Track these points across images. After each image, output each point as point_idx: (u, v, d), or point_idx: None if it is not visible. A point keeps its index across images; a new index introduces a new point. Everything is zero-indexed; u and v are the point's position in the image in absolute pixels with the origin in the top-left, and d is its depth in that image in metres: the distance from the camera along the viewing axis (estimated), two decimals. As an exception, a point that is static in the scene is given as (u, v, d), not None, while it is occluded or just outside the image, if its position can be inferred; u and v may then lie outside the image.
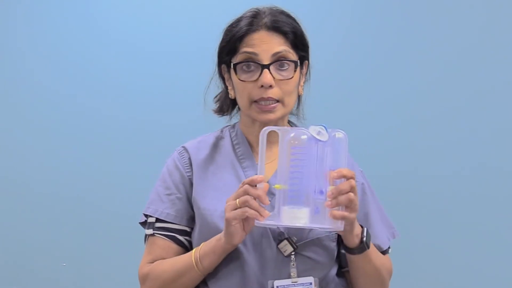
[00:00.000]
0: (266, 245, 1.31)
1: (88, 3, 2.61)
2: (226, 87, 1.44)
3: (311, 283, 1.31)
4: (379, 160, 2.40)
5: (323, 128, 1.19)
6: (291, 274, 1.30)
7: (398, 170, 2.43)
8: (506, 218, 2.37)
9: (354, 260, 1.35)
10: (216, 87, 1.48)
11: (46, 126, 2.60)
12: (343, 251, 1.38)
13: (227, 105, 1.47)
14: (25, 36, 2.63)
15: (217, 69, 1.44)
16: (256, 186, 1.20)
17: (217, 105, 1.48)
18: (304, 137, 1.19)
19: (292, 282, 1.30)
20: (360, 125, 2.45)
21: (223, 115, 1.49)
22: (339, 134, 1.20)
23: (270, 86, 1.32)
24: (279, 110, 1.35)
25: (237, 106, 1.47)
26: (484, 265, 2.37)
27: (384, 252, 1.47)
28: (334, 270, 1.40)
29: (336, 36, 2.48)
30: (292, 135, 1.20)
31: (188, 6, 2.59)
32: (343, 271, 1.43)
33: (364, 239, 1.30)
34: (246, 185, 1.20)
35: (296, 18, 1.40)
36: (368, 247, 1.31)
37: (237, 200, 1.20)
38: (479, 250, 2.38)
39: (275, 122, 1.37)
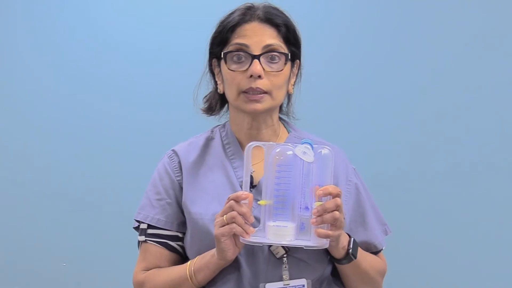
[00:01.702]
0: (258, 247, 1.29)
1: (87, 3, 2.61)
2: (216, 83, 1.43)
3: (303, 286, 1.30)
4: (374, 158, 2.40)
5: (309, 147, 1.18)
6: (283, 276, 1.29)
7: (394, 168, 2.43)
8: (503, 216, 2.38)
9: (342, 268, 1.35)
10: (207, 89, 1.47)
11: (46, 126, 2.60)
12: None
13: (215, 100, 1.45)
14: (25, 36, 2.63)
15: (207, 65, 1.44)
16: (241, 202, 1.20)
17: (206, 105, 1.47)
18: (290, 152, 1.18)
19: (284, 285, 1.29)
20: (357, 124, 2.45)
21: (211, 114, 1.47)
22: (325, 151, 1.19)
23: (259, 77, 1.31)
24: (267, 101, 1.33)
25: (226, 105, 1.46)
26: (481, 263, 2.37)
27: (378, 252, 1.46)
28: (328, 270, 1.39)
29: (335, 36, 2.47)
30: (277, 150, 1.19)
31: (189, 6, 2.58)
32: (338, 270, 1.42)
33: (350, 250, 1.30)
34: (232, 201, 1.20)
35: (290, 16, 1.39)
36: (355, 258, 1.31)
37: (224, 216, 1.20)
38: (476, 248, 2.38)
39: (263, 114, 1.36)
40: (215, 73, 1.42)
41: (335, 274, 1.41)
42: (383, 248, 1.48)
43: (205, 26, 2.30)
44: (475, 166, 2.40)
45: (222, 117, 1.49)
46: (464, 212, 2.40)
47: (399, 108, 2.45)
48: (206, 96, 1.47)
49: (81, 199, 2.57)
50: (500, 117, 2.40)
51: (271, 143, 1.23)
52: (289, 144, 1.21)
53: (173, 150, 1.43)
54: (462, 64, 2.42)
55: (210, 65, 1.43)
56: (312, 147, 1.18)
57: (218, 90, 1.41)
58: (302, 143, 1.18)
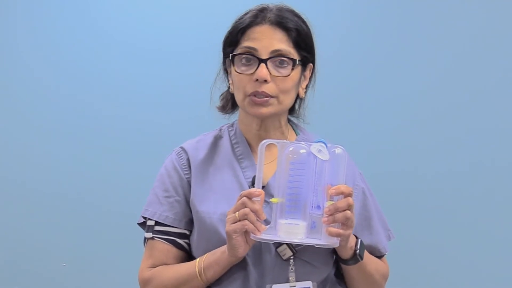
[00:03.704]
0: (265, 248, 1.29)
1: (87, 3, 2.61)
2: (229, 82, 1.42)
3: (309, 287, 1.30)
4: (374, 158, 2.40)
5: (323, 145, 1.18)
6: (290, 278, 1.29)
7: (394, 168, 2.43)
8: (504, 217, 2.38)
9: (348, 269, 1.35)
10: (224, 86, 1.46)
11: (46, 126, 2.60)
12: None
13: (227, 100, 1.45)
14: (25, 36, 2.63)
15: (222, 63, 1.43)
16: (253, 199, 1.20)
17: (222, 103, 1.46)
18: (303, 151, 1.19)
19: (291, 287, 1.29)
20: (356, 125, 2.45)
21: (225, 113, 1.46)
22: (338, 150, 1.20)
23: (265, 81, 1.30)
24: (273, 105, 1.32)
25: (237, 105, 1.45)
26: (481, 263, 2.38)
27: (382, 256, 1.46)
28: (332, 272, 1.39)
29: (335, 36, 2.47)
30: (290, 149, 1.20)
31: (189, 6, 2.58)
32: (342, 273, 1.42)
33: (358, 251, 1.30)
34: (244, 198, 1.20)
35: (305, 20, 1.38)
36: (362, 259, 1.31)
37: (237, 213, 1.20)
38: (476, 248, 2.39)
39: (270, 118, 1.36)
40: (228, 72, 1.41)
41: (338, 275, 1.41)
42: (387, 253, 1.48)
43: (205, 26, 2.32)
44: (475, 166, 2.40)
45: (231, 116, 1.48)
46: (464, 213, 2.40)
47: (399, 109, 2.46)
48: (222, 94, 1.46)
49: (81, 199, 2.57)
50: (500, 117, 2.40)
51: (284, 141, 1.24)
52: (303, 142, 1.21)
53: (181, 147, 1.42)
54: (462, 64, 2.42)
55: (224, 63, 1.42)
56: (326, 146, 1.18)
57: (230, 90, 1.41)
58: (317, 142, 1.18)
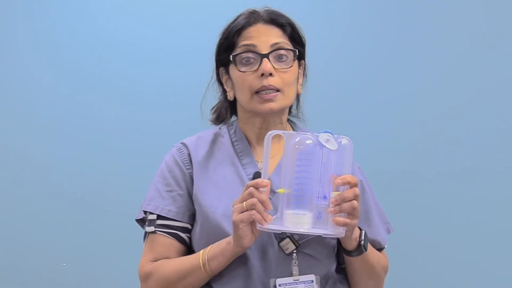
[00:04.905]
0: (268, 243, 1.30)
1: (87, 3, 2.61)
2: (224, 91, 1.44)
3: (312, 281, 1.30)
4: (374, 158, 2.40)
5: (331, 135, 1.19)
6: (293, 272, 1.30)
7: (394, 168, 2.44)
8: (504, 216, 2.38)
9: (351, 261, 1.36)
10: (213, 98, 1.48)
11: (46, 126, 2.60)
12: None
13: (225, 109, 1.47)
14: (25, 36, 2.63)
15: (215, 74, 1.45)
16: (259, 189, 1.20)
17: (214, 115, 1.48)
18: (309, 141, 1.19)
19: (294, 280, 1.29)
20: (357, 125, 2.45)
21: (220, 122, 1.48)
22: (344, 141, 1.21)
23: (270, 75, 1.33)
24: (280, 100, 1.35)
25: (235, 112, 1.47)
26: (481, 263, 2.38)
27: (381, 249, 1.47)
28: (334, 266, 1.40)
29: (335, 36, 2.48)
30: (297, 139, 1.20)
31: (189, 6, 2.59)
32: (342, 266, 1.43)
33: (362, 242, 1.31)
34: (251, 188, 1.20)
35: (292, 19, 1.42)
36: (366, 250, 1.32)
37: (244, 203, 1.20)
38: (476, 248, 2.39)
39: (276, 113, 1.38)
40: (223, 81, 1.44)
41: (339, 272, 1.42)
42: (386, 246, 1.49)
43: (205, 26, 2.31)
44: (476, 166, 2.41)
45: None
46: (464, 213, 2.40)
47: (399, 109, 2.46)
48: (213, 107, 1.49)
49: (81, 199, 2.57)
50: (500, 117, 2.41)
51: (291, 132, 1.25)
52: (309, 133, 1.22)
53: (182, 143, 1.43)
54: (463, 64, 2.43)
55: (218, 73, 1.44)
56: (333, 135, 1.19)
57: (228, 97, 1.43)
58: (323, 132, 1.19)
